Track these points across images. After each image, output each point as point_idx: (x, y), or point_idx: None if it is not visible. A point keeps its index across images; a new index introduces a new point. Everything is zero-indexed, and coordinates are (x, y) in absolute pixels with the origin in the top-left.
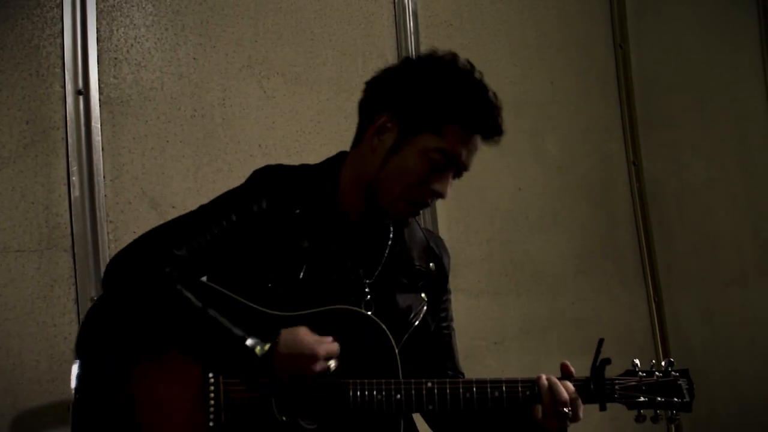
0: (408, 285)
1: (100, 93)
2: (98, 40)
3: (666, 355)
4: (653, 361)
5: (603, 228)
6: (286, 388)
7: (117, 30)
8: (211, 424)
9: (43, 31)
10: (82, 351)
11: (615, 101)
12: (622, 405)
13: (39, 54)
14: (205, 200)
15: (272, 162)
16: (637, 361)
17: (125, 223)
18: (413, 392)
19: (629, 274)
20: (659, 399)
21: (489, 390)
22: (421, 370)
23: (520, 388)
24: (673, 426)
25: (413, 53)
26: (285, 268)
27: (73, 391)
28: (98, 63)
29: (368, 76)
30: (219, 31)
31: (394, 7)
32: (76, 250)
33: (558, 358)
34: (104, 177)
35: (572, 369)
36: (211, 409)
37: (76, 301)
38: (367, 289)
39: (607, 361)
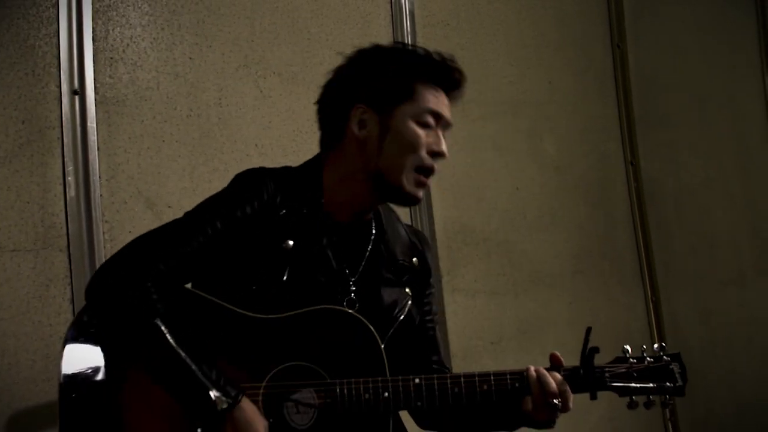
0: (392, 280)
1: (96, 93)
2: (94, 40)
3: None
4: (644, 346)
5: (601, 228)
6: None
7: (113, 30)
8: (199, 430)
9: (39, 31)
10: (67, 359)
11: (613, 101)
12: (614, 392)
13: (35, 54)
14: (201, 200)
15: (269, 162)
16: (627, 347)
17: (121, 223)
18: (401, 389)
19: (627, 274)
20: (651, 385)
21: (477, 383)
22: (407, 364)
23: (508, 380)
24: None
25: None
26: (269, 270)
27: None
28: (94, 63)
29: None
30: (215, 31)
31: (391, 6)
32: (71, 250)
33: None
34: (100, 177)
35: (561, 359)
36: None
37: (72, 300)
38: (352, 287)
39: (596, 349)
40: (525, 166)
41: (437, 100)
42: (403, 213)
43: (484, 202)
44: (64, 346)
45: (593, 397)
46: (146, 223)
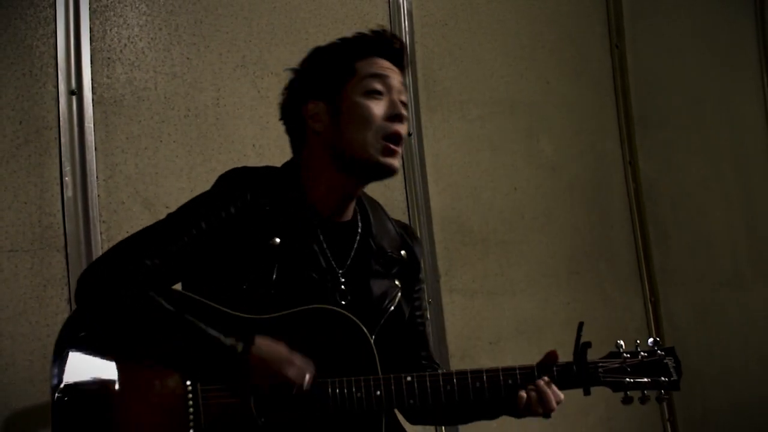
0: (381, 272)
1: (94, 93)
2: (91, 40)
3: None
4: (638, 341)
5: (598, 228)
6: (264, 390)
7: (110, 30)
8: (191, 430)
9: (36, 31)
10: (59, 362)
11: (611, 101)
12: (607, 388)
13: (32, 54)
14: None
15: (267, 162)
16: (621, 343)
17: (118, 223)
18: (393, 388)
19: (624, 275)
20: (645, 379)
21: (470, 381)
22: (397, 359)
23: (501, 378)
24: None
25: (408, 53)
26: (258, 268)
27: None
28: (91, 63)
29: None
30: (213, 31)
31: (389, 6)
32: (69, 250)
33: None
34: (97, 177)
35: (557, 358)
36: (191, 415)
37: (69, 301)
38: (341, 279)
39: (588, 344)
40: (522, 166)
41: (378, 65)
42: (401, 213)
43: (481, 203)
44: (55, 349)
45: (587, 393)
46: (144, 223)
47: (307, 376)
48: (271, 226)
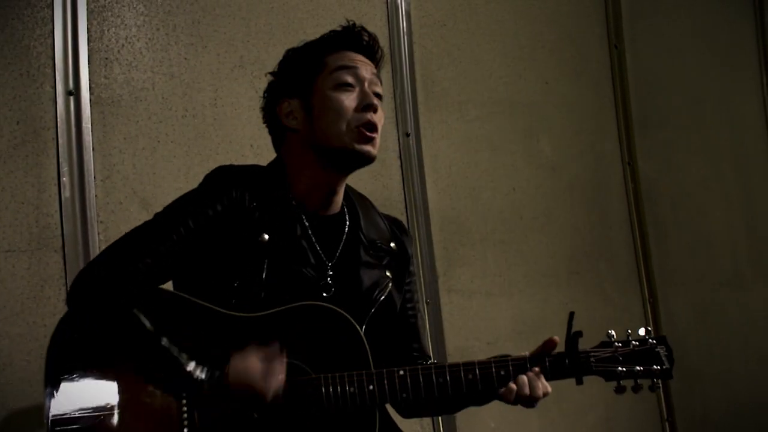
0: (371, 263)
1: (91, 93)
2: (89, 41)
3: None
4: (629, 331)
5: (597, 228)
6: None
7: (108, 30)
8: (185, 430)
9: (33, 32)
10: (51, 362)
11: (610, 101)
12: (600, 377)
13: (30, 54)
14: None
15: (264, 162)
16: (612, 332)
17: (116, 224)
18: (386, 382)
19: (623, 275)
20: (638, 368)
21: (462, 373)
22: (388, 351)
23: (493, 369)
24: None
25: (406, 53)
26: (248, 265)
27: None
28: (89, 63)
29: None
30: (210, 32)
31: (387, 7)
32: (66, 251)
33: None
34: (95, 177)
35: (556, 342)
36: (185, 414)
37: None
38: (330, 272)
39: (579, 333)
40: (521, 166)
41: (347, 57)
42: (399, 213)
43: (480, 203)
44: (47, 353)
45: (579, 382)
46: (141, 223)
47: (272, 390)
48: (259, 223)
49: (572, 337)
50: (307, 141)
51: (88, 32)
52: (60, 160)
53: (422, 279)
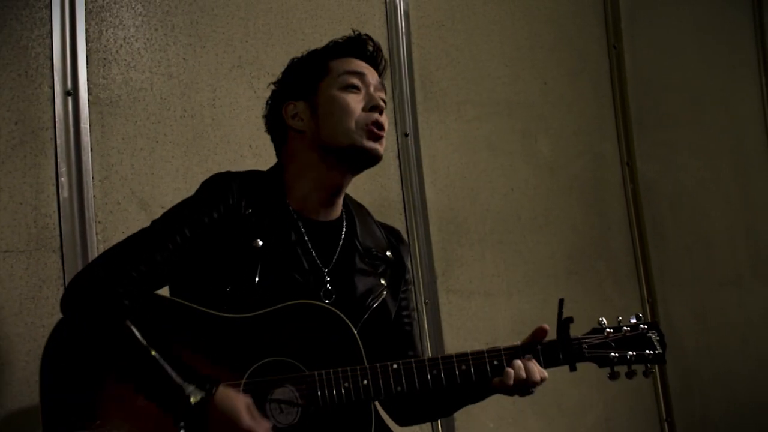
0: (366, 270)
1: (89, 93)
2: (87, 41)
3: None
4: (620, 318)
5: (596, 229)
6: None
7: (106, 30)
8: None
9: (31, 32)
10: (47, 367)
11: (609, 102)
12: (593, 363)
13: (28, 55)
14: None
15: (263, 163)
16: (603, 319)
17: (114, 224)
18: (380, 376)
19: (622, 275)
20: (631, 353)
21: (456, 364)
22: (382, 357)
23: (486, 359)
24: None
25: (405, 53)
26: (242, 270)
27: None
28: (87, 63)
29: None
30: (209, 32)
31: (386, 7)
32: (64, 251)
33: None
34: (93, 178)
35: (546, 331)
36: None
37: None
38: (327, 278)
39: (570, 319)
40: (520, 167)
41: (353, 63)
42: (398, 214)
43: (478, 203)
44: (42, 359)
45: (572, 369)
46: (140, 224)
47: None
48: (254, 229)
49: (563, 323)
50: (313, 141)
51: (86, 33)
52: (58, 160)
53: (421, 279)
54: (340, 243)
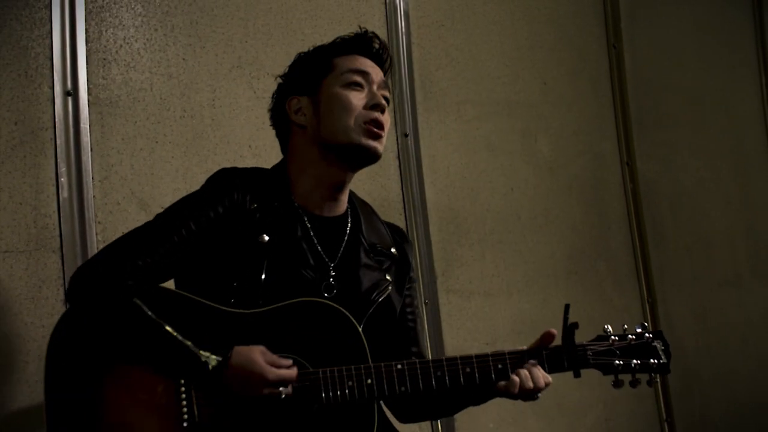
0: (372, 265)
1: (89, 94)
2: (87, 41)
3: None
4: (625, 326)
5: (596, 229)
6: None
7: (106, 31)
8: (185, 424)
9: (31, 32)
10: (52, 360)
11: (608, 101)
12: (597, 370)
13: (27, 55)
14: None
15: (263, 163)
16: (608, 327)
17: (114, 224)
18: (384, 376)
19: (622, 275)
20: (635, 362)
21: (460, 366)
22: (386, 354)
23: (491, 362)
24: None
25: (404, 53)
26: (247, 265)
27: (44, 399)
28: (87, 64)
29: None
30: (209, 32)
31: (386, 7)
32: (64, 251)
33: None
34: (93, 178)
35: (554, 335)
36: (184, 408)
37: (65, 302)
38: (332, 272)
39: (575, 325)
40: (519, 166)
41: (357, 62)
42: (398, 214)
43: (478, 203)
44: (48, 348)
45: (576, 375)
46: (139, 224)
47: (283, 388)
48: (260, 224)
49: (568, 329)
50: (314, 137)
51: (86, 33)
52: (58, 160)
53: (421, 279)
54: (345, 238)
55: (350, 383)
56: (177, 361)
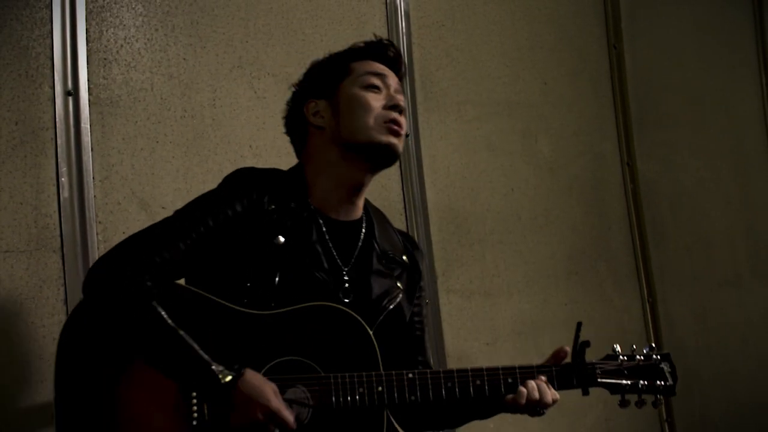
0: (383, 272)
1: (90, 94)
2: (88, 41)
3: None
4: (634, 346)
5: (596, 229)
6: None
7: (106, 31)
8: (194, 423)
9: (32, 32)
10: (63, 356)
11: (609, 102)
12: (605, 389)
13: (28, 55)
14: None
15: (263, 163)
16: (617, 346)
17: (114, 224)
18: (395, 384)
19: (622, 275)
20: (642, 382)
21: (471, 379)
22: (393, 361)
23: (501, 376)
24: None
25: (405, 54)
26: (262, 266)
27: (54, 396)
28: (88, 64)
29: None
30: (209, 32)
31: (386, 7)
32: (65, 251)
33: None
34: (93, 178)
35: (566, 353)
36: (194, 406)
37: (65, 301)
38: (345, 277)
39: (587, 343)
40: (520, 167)
41: (374, 66)
42: (398, 214)
43: (478, 204)
44: (59, 346)
45: (585, 393)
46: (140, 224)
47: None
48: (276, 226)
49: (580, 348)
50: (333, 138)
51: (86, 33)
52: (59, 160)
53: None
54: (359, 243)
55: (361, 390)
56: (189, 370)
